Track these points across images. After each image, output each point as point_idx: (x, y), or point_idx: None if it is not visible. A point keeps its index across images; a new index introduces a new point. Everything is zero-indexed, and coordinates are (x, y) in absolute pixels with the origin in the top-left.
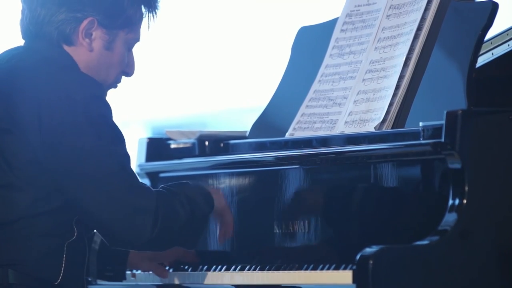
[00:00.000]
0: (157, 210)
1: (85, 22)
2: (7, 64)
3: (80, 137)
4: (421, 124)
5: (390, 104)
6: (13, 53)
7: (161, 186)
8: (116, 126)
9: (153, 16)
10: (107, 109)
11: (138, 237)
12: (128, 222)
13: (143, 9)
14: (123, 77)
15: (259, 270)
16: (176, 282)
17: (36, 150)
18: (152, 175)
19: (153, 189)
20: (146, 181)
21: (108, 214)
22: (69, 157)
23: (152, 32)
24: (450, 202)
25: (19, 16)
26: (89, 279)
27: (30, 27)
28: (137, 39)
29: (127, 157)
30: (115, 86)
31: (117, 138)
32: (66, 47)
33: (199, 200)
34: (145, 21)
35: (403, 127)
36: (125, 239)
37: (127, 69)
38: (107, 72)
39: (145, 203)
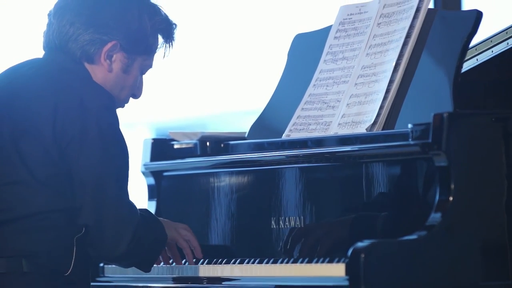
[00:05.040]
0: (137, 227)
1: (109, 45)
2: (28, 71)
3: (87, 144)
4: (409, 125)
5: (381, 107)
6: (33, 62)
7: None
8: (123, 139)
9: (169, 46)
10: (116, 121)
11: (115, 247)
12: (110, 231)
13: (161, 39)
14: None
15: (257, 263)
16: (178, 274)
17: (50, 151)
18: (157, 174)
19: (137, 208)
20: (151, 180)
21: (95, 220)
22: (74, 161)
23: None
24: (437, 199)
25: (43, 27)
26: (101, 264)
27: (55, 41)
28: (151, 66)
29: (125, 171)
30: (123, 106)
31: (121, 151)
32: (86, 64)
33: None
34: (161, 51)
35: (393, 129)
36: (103, 247)
37: (137, 91)
38: (120, 93)
39: (130, 218)
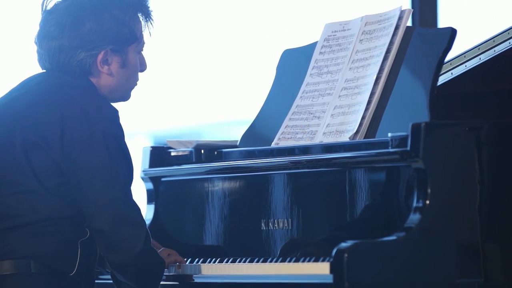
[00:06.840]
0: (147, 228)
1: (100, 56)
2: (36, 87)
3: (94, 154)
4: (389, 134)
5: (363, 117)
6: (40, 78)
7: None
8: (127, 149)
9: (151, 23)
10: (121, 132)
11: (133, 247)
12: (126, 232)
13: (142, 20)
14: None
15: (248, 262)
16: (175, 272)
17: (58, 162)
18: (155, 179)
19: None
20: (149, 185)
21: (109, 224)
22: (82, 171)
23: (151, 55)
24: (415, 203)
25: (34, 55)
26: (107, 270)
27: (52, 67)
28: (144, 43)
29: (130, 177)
30: (136, 84)
31: (126, 159)
32: (89, 78)
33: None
34: (146, 31)
35: (374, 137)
36: (122, 248)
37: (142, 68)
38: (128, 83)
39: (140, 219)
